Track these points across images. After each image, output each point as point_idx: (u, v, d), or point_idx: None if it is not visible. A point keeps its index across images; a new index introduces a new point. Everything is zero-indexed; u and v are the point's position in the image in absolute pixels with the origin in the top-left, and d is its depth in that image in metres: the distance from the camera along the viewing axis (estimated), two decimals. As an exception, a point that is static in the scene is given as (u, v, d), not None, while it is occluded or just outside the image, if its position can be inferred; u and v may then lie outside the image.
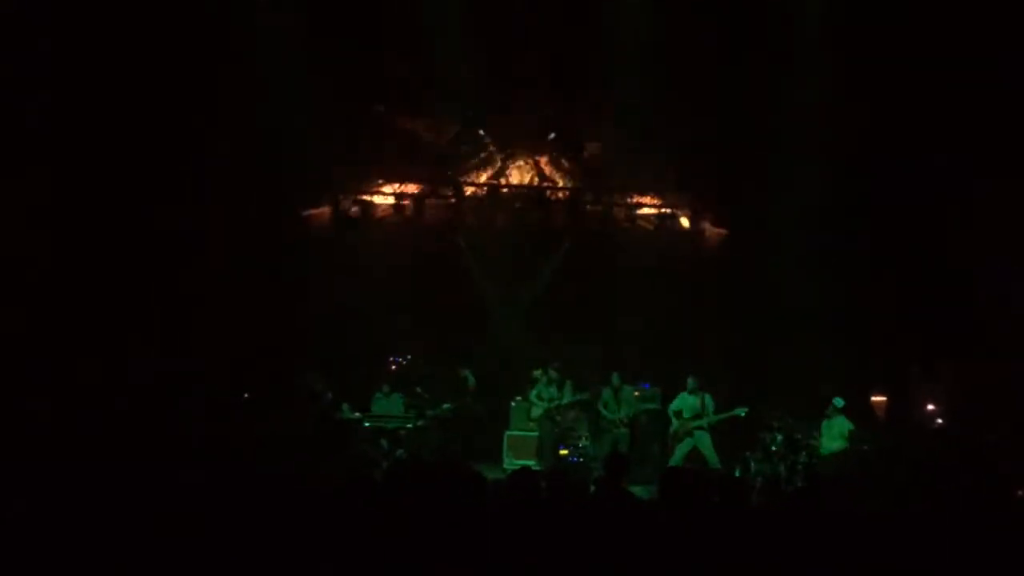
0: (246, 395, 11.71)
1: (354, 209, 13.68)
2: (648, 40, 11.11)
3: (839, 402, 10.63)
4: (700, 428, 11.00)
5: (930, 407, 12.07)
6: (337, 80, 12.10)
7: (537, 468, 10.97)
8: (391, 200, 13.76)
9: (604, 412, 11.62)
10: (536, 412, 11.76)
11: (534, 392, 11.86)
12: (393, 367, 13.10)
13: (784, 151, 11.68)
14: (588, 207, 13.89)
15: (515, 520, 4.09)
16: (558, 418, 11.61)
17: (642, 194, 13.84)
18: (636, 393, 12.05)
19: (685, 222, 13.79)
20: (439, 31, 11.74)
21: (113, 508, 4.33)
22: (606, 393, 11.69)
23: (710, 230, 13.78)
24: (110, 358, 10.17)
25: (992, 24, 9.43)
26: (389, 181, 13.83)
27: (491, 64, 12.00)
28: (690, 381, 11.21)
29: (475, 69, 12.06)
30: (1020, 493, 8.72)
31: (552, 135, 13.46)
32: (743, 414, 10.96)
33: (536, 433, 11.82)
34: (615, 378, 11.70)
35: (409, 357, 13.37)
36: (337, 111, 12.31)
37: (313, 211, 13.70)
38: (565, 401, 11.66)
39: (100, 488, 4.70)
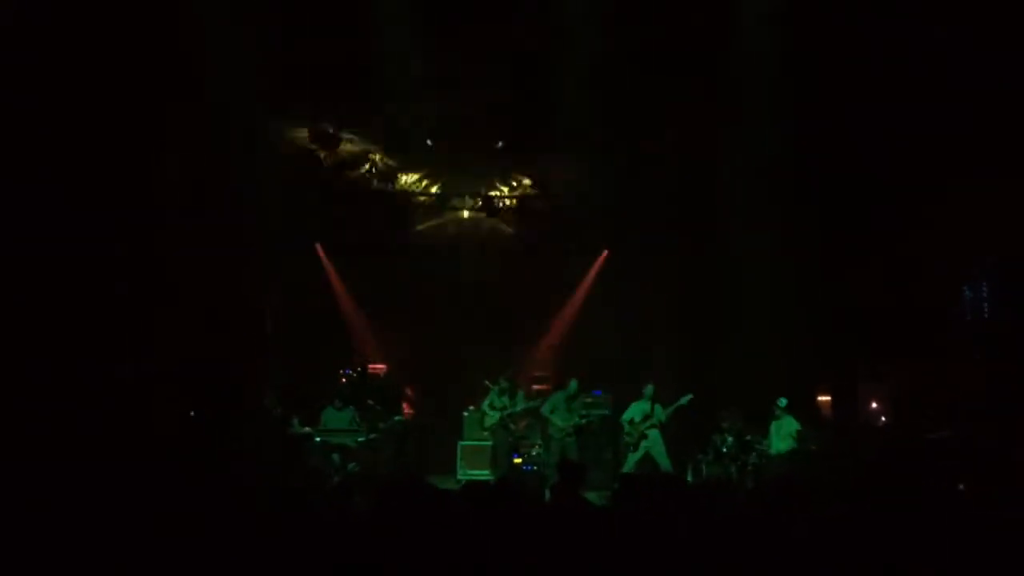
0: (192, 413, 11.50)
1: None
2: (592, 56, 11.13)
3: (783, 402, 10.83)
4: (652, 427, 11.05)
5: (874, 405, 12.34)
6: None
7: (491, 478, 10.98)
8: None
9: (552, 418, 11.36)
10: (489, 421, 11.71)
11: (486, 402, 11.82)
12: (344, 380, 13.01)
13: (728, 157, 11.85)
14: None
15: (471, 531, 4.07)
16: (512, 426, 11.59)
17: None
18: (588, 400, 12.06)
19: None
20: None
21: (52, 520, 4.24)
22: (556, 397, 11.50)
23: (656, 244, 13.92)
24: (58, 369, 9.92)
25: (926, 36, 9.73)
26: None
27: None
28: (649, 388, 11.23)
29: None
30: (962, 488, 8.96)
31: (500, 143, 13.44)
32: (686, 402, 11.04)
33: (490, 443, 11.79)
34: (573, 385, 11.49)
35: (359, 370, 13.30)
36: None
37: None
38: (518, 409, 11.64)
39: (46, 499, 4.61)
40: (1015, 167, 9.69)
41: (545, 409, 11.47)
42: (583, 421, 11.43)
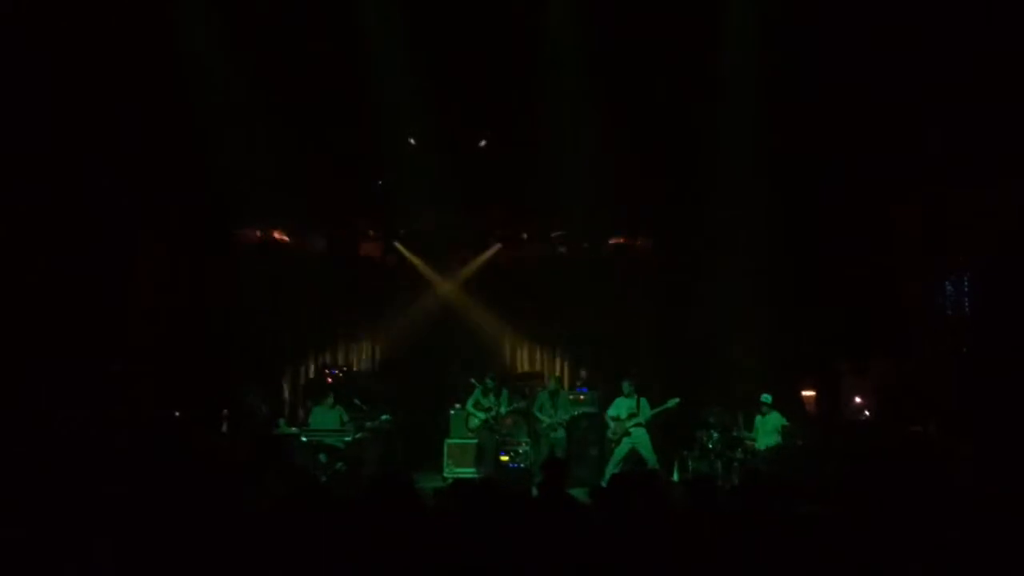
0: (177, 413, 11.44)
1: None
2: (580, 55, 11.15)
3: (767, 398, 10.89)
4: (637, 425, 11.11)
5: (858, 400, 12.41)
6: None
7: (477, 476, 11.00)
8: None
9: (539, 416, 11.58)
10: (474, 422, 11.69)
11: (471, 401, 11.79)
12: (329, 379, 12.98)
13: (710, 154, 11.89)
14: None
15: (458, 529, 4.08)
16: (497, 427, 11.56)
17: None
18: (571, 397, 12.13)
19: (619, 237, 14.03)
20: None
21: (43, 522, 4.22)
22: (542, 396, 11.69)
23: (641, 240, 13.97)
24: (41, 372, 9.85)
25: (909, 42, 9.81)
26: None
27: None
28: (625, 384, 11.33)
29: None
30: (947, 482, 9.04)
31: (483, 142, 13.44)
32: (674, 405, 11.11)
33: (476, 441, 11.79)
34: (553, 382, 11.74)
35: (345, 369, 13.27)
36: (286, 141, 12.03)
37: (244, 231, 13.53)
38: (503, 411, 11.62)
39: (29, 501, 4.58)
40: (997, 164, 9.79)
41: (534, 408, 11.64)
42: (568, 417, 11.53)
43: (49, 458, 7.58)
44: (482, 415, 11.57)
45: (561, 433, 11.51)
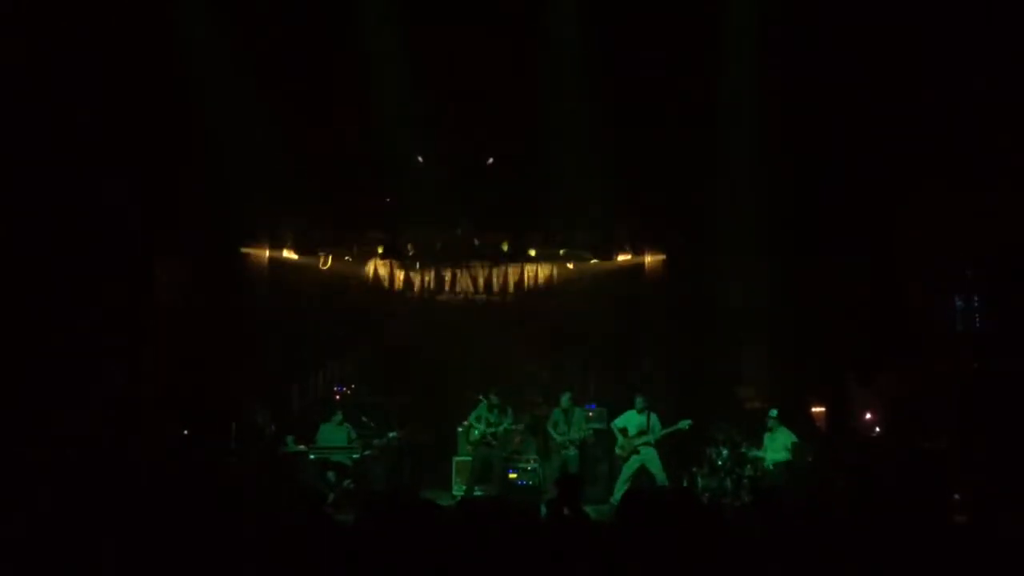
0: (185, 431, 11.43)
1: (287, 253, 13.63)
2: (582, 67, 11.21)
3: (774, 413, 10.83)
4: (647, 444, 11.06)
5: (868, 416, 12.33)
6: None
7: (481, 493, 10.95)
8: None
9: (553, 433, 11.48)
10: (474, 435, 11.58)
11: (473, 415, 11.68)
12: (337, 397, 12.97)
13: (718, 167, 11.90)
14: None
15: (465, 548, 4.04)
16: (494, 443, 11.46)
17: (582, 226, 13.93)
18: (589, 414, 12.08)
19: (626, 252, 14.01)
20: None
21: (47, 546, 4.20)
22: (556, 414, 11.56)
23: (651, 256, 13.95)
24: (50, 391, 9.84)
25: (917, 40, 9.80)
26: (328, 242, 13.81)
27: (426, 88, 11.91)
28: (639, 400, 11.27)
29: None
30: (956, 498, 8.97)
31: (490, 160, 13.49)
32: (687, 427, 11.06)
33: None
34: (565, 399, 11.56)
35: (353, 386, 13.26)
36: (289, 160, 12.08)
37: (252, 249, 13.54)
38: (501, 429, 11.48)
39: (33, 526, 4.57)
40: (1006, 175, 9.76)
41: (548, 425, 11.59)
42: (582, 435, 11.44)
43: (49, 470, 7.58)
44: (482, 428, 11.46)
45: (573, 451, 11.35)
